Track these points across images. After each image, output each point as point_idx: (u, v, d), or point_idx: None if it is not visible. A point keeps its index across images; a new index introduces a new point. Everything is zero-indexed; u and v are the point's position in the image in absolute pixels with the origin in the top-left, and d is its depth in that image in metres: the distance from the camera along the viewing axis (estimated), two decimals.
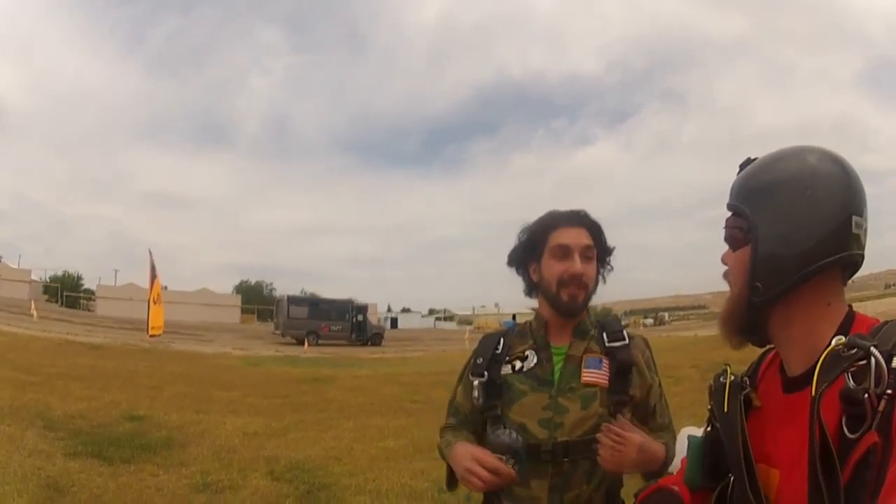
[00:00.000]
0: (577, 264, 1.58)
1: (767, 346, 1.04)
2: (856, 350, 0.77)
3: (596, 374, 1.57)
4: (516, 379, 1.60)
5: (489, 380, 1.61)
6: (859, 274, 0.97)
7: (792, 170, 0.93)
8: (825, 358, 0.80)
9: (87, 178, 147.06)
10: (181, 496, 4.91)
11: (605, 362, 1.58)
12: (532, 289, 1.69)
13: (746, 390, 0.98)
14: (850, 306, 0.93)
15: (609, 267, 1.71)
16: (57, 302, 43.05)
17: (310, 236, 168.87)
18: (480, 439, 1.65)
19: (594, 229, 1.65)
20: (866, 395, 0.74)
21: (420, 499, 5.05)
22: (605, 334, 1.62)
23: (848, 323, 0.90)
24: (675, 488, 1.10)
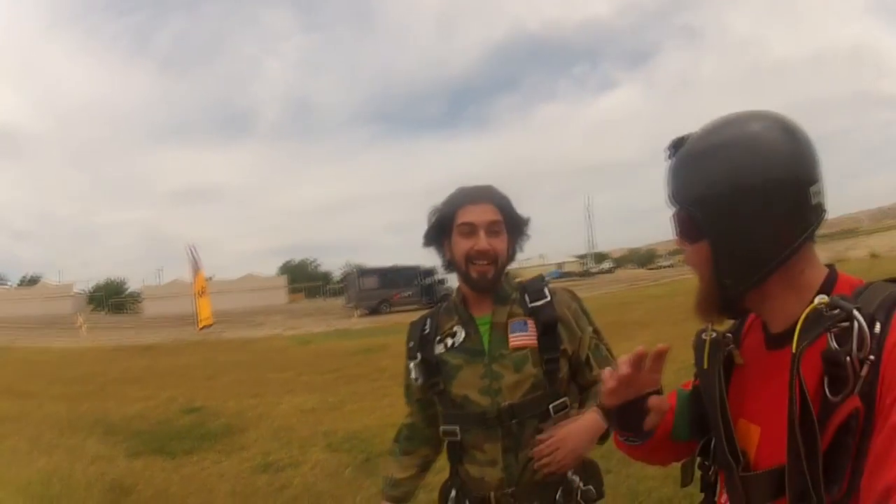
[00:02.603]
0: (481, 241, 1.60)
1: None
2: (838, 311, 0.75)
3: (522, 336, 1.60)
4: (450, 356, 1.65)
5: (423, 360, 1.67)
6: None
7: (735, 149, 0.86)
8: (807, 316, 0.78)
9: (112, 186, 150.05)
10: (244, 479, 4.94)
11: (531, 323, 1.61)
12: (449, 265, 1.71)
13: (729, 347, 0.98)
14: (831, 266, 0.90)
15: (525, 237, 1.71)
16: (103, 310, 44.18)
17: (345, 209, 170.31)
18: (436, 416, 1.71)
19: (501, 204, 1.65)
20: (848, 358, 0.72)
21: None
22: (526, 296, 1.65)
23: (830, 283, 0.88)
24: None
